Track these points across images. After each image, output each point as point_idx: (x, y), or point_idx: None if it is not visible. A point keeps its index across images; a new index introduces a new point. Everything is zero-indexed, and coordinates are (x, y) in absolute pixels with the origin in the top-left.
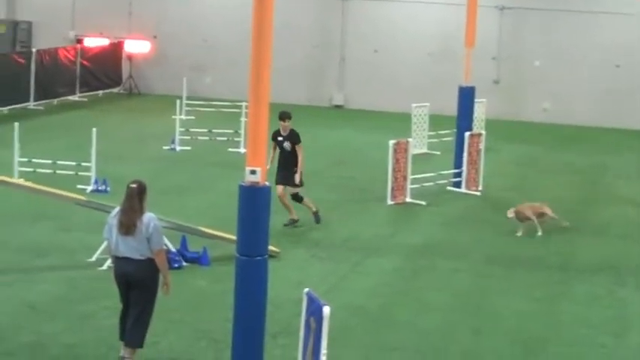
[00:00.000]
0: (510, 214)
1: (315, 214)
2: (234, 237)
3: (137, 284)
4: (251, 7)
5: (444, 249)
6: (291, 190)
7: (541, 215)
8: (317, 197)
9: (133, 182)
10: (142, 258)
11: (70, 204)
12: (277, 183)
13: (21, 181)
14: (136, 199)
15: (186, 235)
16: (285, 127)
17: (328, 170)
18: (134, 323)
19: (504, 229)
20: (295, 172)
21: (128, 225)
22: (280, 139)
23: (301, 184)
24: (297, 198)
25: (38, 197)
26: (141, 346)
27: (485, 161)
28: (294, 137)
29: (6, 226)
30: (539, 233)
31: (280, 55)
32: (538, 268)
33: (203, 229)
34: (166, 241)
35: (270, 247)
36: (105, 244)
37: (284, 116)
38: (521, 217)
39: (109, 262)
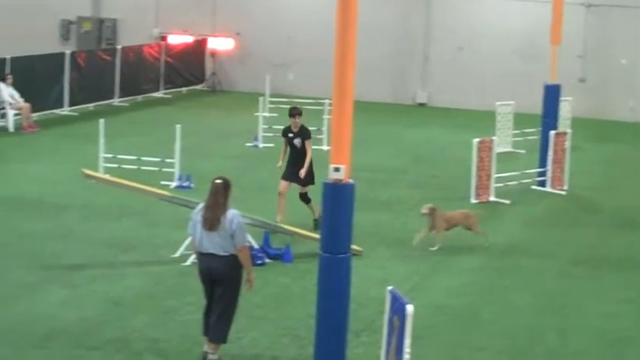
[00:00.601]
0: (424, 210)
1: (316, 221)
2: (316, 235)
3: (221, 280)
4: (335, 4)
5: (529, 248)
6: (300, 189)
7: (454, 226)
8: (401, 194)
9: (218, 178)
10: (226, 254)
11: (154, 200)
12: (283, 178)
13: (108, 176)
14: (220, 195)
15: (269, 232)
16: (295, 123)
17: (411, 168)
18: (218, 319)
19: (591, 229)
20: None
21: (212, 221)
22: (291, 135)
23: (312, 183)
24: (305, 198)
25: (123, 193)
26: (224, 341)
27: (570, 160)
28: (304, 133)
29: (92, 221)
30: (435, 248)
31: (364, 53)
32: (627, 269)
33: (286, 226)
34: (249, 237)
35: (353, 247)
36: (189, 239)
37: (295, 112)
38: (435, 222)
39: (192, 258)
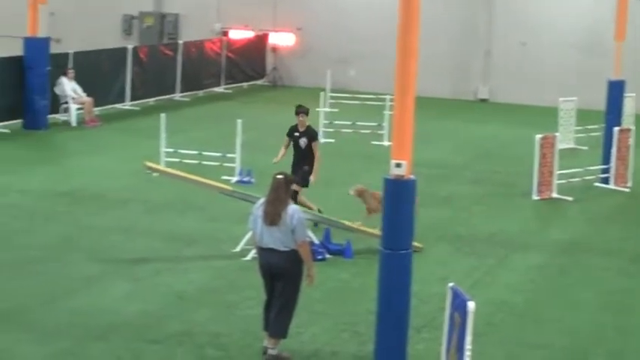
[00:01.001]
0: (352, 192)
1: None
2: (377, 231)
3: (281, 275)
4: None
5: (592, 246)
6: (296, 187)
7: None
8: (462, 190)
9: (280, 173)
10: (286, 249)
11: (215, 194)
12: None
13: (171, 169)
14: (282, 190)
15: (330, 227)
16: (302, 122)
17: (473, 164)
18: (278, 314)
19: None
20: (306, 170)
21: (273, 216)
22: (297, 134)
23: (306, 185)
24: (294, 197)
25: (185, 187)
26: (284, 336)
27: (634, 157)
28: (311, 134)
29: (154, 215)
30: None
31: (426, 48)
32: None
33: (346, 222)
34: (310, 233)
35: (414, 243)
36: (249, 234)
37: (300, 111)
38: (369, 203)
39: (253, 253)
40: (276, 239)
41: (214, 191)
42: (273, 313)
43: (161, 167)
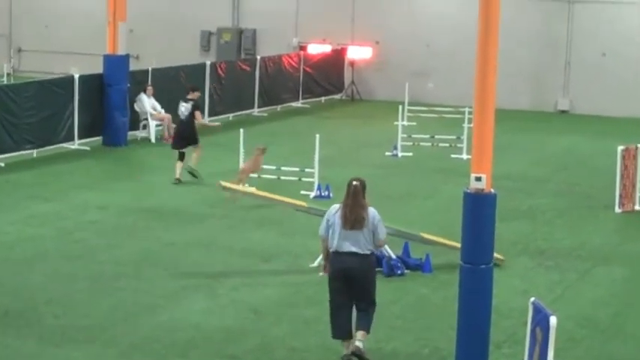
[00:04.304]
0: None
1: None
2: (456, 244)
3: (363, 277)
4: (473, 12)
5: None
6: None
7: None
8: (543, 203)
9: (355, 179)
10: (367, 252)
11: (291, 210)
12: None
13: (245, 188)
14: (360, 195)
15: (409, 241)
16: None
17: (554, 176)
18: (366, 310)
19: None
20: None
21: (356, 220)
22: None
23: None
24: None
25: (263, 203)
26: (369, 331)
27: None
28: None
29: (232, 230)
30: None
31: (504, 60)
32: None
33: (425, 235)
34: (388, 248)
35: (495, 255)
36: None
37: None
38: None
39: (319, 260)
40: (358, 242)
41: (290, 208)
42: (360, 313)
43: (234, 186)
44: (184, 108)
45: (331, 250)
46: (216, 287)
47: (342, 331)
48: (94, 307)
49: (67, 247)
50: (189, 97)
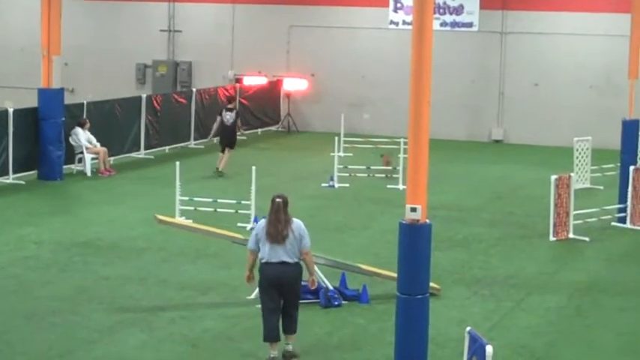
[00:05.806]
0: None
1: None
2: (393, 274)
3: (291, 285)
4: (408, 44)
5: (610, 287)
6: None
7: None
8: (478, 232)
9: (278, 196)
10: (296, 260)
11: (228, 242)
12: None
13: (181, 220)
14: (282, 211)
15: (346, 272)
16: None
17: (488, 206)
18: (293, 316)
19: None
20: None
21: (280, 234)
22: None
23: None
24: None
25: (199, 236)
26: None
27: None
28: None
29: (169, 264)
30: None
31: (438, 91)
32: None
33: (362, 266)
34: (324, 278)
35: (431, 285)
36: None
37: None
38: None
39: (256, 292)
40: (287, 252)
41: (227, 240)
42: (288, 317)
43: (170, 220)
44: (229, 116)
45: (263, 261)
46: (153, 321)
47: (273, 334)
48: (30, 343)
49: (2, 282)
50: (229, 106)
